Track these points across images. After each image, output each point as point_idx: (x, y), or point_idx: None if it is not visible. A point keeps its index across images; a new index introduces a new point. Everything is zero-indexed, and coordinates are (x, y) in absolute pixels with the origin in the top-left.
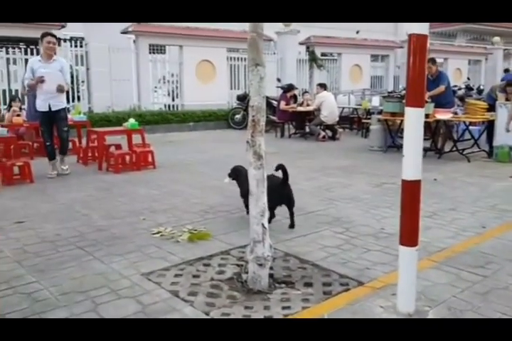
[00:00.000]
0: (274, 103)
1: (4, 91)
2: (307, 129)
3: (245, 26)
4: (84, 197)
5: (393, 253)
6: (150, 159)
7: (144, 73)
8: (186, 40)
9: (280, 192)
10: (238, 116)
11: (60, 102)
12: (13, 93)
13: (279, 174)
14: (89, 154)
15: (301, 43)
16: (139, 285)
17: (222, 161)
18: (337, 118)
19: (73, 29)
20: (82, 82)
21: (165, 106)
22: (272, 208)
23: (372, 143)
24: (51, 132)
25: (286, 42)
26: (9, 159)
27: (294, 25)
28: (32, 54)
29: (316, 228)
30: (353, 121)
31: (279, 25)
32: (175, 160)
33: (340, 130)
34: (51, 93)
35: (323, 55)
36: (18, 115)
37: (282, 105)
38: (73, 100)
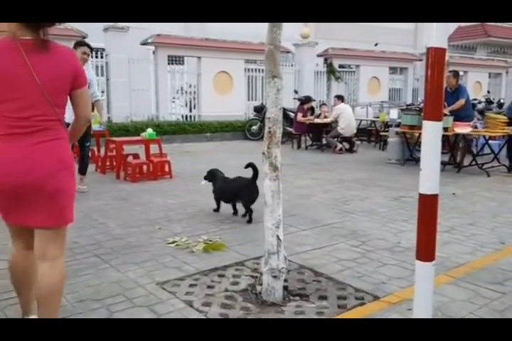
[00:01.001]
0: (291, 115)
1: None
2: (324, 141)
3: (263, 38)
4: (102, 205)
5: (410, 268)
6: (167, 169)
7: (163, 84)
8: (204, 52)
9: (249, 190)
10: (255, 128)
11: None
12: None
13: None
14: (108, 163)
15: (319, 55)
16: (153, 294)
17: (238, 172)
18: (354, 131)
19: (94, 40)
20: (102, 92)
21: (182, 116)
22: (246, 205)
23: (390, 156)
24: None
25: (304, 54)
26: None
27: (312, 38)
28: None
29: (332, 241)
30: (371, 134)
31: (297, 37)
32: (191, 171)
33: (358, 142)
34: None
35: (341, 67)
36: None
37: (299, 117)
38: (93, 110)
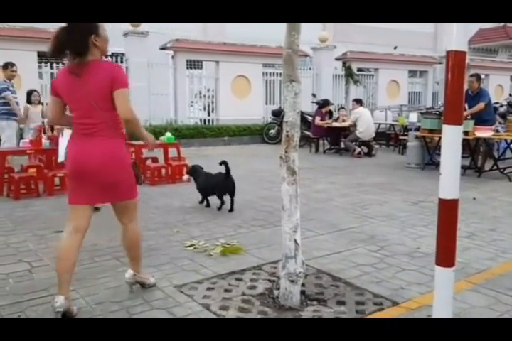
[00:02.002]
0: (309, 118)
1: (48, 104)
2: (342, 145)
3: (281, 42)
4: None
5: (429, 274)
6: (185, 172)
7: (181, 88)
8: (223, 56)
9: (224, 184)
10: (273, 131)
11: None
12: None
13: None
14: None
15: (337, 59)
16: (171, 297)
17: (256, 176)
18: (373, 135)
19: (114, 45)
20: None
21: (200, 120)
22: (219, 196)
23: (410, 160)
24: None
25: (322, 57)
26: (51, 170)
27: (330, 41)
28: None
29: (350, 245)
30: (390, 138)
31: (315, 41)
32: None
33: (377, 146)
34: None
35: (359, 70)
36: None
37: (317, 120)
38: None
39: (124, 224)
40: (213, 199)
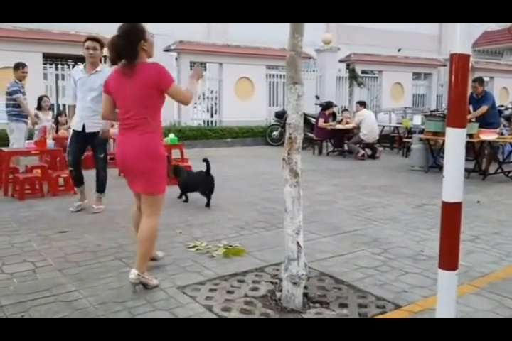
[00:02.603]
0: (313, 120)
1: (52, 105)
2: (346, 147)
3: (285, 44)
4: (124, 209)
5: (432, 277)
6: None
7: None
8: (226, 58)
9: (205, 182)
10: (276, 133)
11: (97, 123)
12: (61, 108)
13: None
14: None
15: (341, 61)
16: (174, 298)
17: (259, 178)
18: (377, 137)
19: None
20: None
21: (204, 122)
22: (203, 193)
23: (413, 163)
24: (78, 156)
25: (326, 59)
26: (55, 171)
27: (334, 43)
28: None
29: (353, 248)
30: (394, 140)
31: (319, 43)
32: None
33: (380, 149)
34: (87, 112)
35: (363, 72)
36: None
37: (321, 123)
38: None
39: (145, 216)
40: (203, 199)
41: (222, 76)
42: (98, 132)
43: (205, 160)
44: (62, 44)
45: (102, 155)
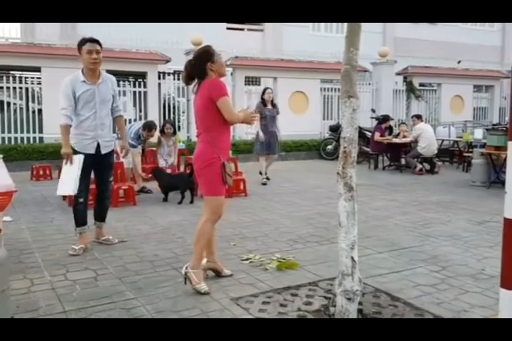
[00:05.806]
0: (368, 134)
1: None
2: (403, 161)
3: (340, 57)
4: (180, 221)
5: (494, 297)
6: (242, 187)
7: (240, 104)
8: (280, 72)
9: (187, 182)
10: (330, 147)
11: (109, 141)
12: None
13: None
14: None
15: (398, 74)
16: (228, 309)
17: (312, 192)
18: (435, 151)
19: (176, 63)
20: (183, 112)
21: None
22: (182, 192)
23: (474, 178)
24: (89, 183)
25: (382, 72)
26: (116, 183)
27: (391, 56)
28: (140, 86)
29: (410, 265)
30: (454, 154)
31: (375, 56)
32: (266, 189)
33: (439, 163)
34: (101, 129)
35: (421, 85)
36: None
37: (377, 136)
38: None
39: (203, 216)
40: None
41: (277, 90)
42: (112, 152)
43: (189, 165)
44: (123, 62)
45: (111, 179)
